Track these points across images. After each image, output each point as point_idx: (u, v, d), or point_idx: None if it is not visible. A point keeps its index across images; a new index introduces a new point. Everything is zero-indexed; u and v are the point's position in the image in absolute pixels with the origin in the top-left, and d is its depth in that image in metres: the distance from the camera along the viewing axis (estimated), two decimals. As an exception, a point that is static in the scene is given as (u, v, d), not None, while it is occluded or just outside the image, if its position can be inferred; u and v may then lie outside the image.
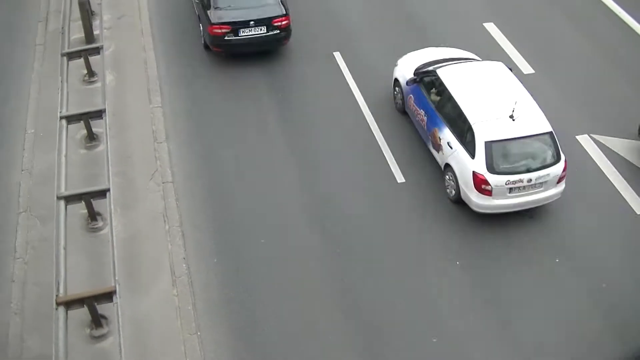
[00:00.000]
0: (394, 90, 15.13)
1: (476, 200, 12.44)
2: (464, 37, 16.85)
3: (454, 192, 12.95)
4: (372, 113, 15.08)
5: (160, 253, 12.28)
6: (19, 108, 15.48)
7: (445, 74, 13.60)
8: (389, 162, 13.95)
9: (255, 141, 14.52)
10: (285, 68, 16.42)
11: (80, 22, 16.97)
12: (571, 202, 13.05)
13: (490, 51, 16.36)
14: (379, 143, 14.36)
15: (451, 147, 12.87)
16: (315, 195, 13.32)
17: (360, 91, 15.63)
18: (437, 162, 13.56)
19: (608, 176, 13.61)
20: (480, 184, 12.22)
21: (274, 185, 13.55)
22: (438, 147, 13.36)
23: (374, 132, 14.62)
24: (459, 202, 12.87)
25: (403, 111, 14.89)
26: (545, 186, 12.49)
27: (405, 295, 11.55)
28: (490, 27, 17.57)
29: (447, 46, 15.84)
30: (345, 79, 16.01)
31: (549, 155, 12.48)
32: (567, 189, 12.77)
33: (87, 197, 12.53)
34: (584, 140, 14.48)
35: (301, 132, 14.72)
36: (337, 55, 16.71)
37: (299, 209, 13.05)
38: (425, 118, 13.75)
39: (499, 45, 16.94)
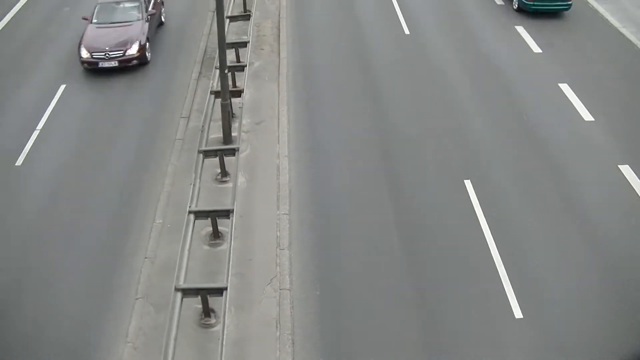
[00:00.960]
0: None
1: None
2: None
3: None
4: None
5: (267, 359, 11.99)
6: (151, 197, 16.04)
7: None
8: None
9: (377, 260, 14.25)
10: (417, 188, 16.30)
11: (220, 123, 17.70)
12: None
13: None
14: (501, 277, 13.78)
15: None
16: (437, 326, 12.78)
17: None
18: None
19: None
20: None
21: (390, 306, 13.13)
22: None
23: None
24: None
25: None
26: None
27: None
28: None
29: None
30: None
31: None
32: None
33: (204, 293, 12.58)
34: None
35: (426, 258, 14.35)
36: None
37: (416, 334, 12.52)
38: None
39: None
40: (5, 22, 24.80)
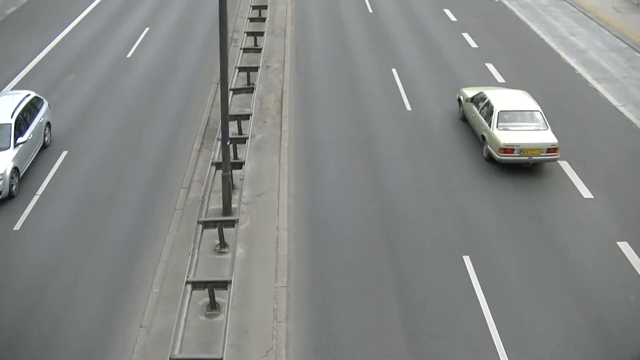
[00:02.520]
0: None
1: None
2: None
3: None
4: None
5: None
6: (148, 267, 16.28)
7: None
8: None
9: (376, 336, 14.38)
10: (417, 267, 16.54)
11: (220, 194, 18.09)
12: None
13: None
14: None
15: None
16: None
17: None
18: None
19: None
20: None
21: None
22: None
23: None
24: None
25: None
26: None
27: None
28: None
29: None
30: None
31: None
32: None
33: (199, 364, 12.68)
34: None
35: (427, 333, 14.50)
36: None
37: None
38: None
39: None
40: (12, 86, 25.55)
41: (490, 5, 37.44)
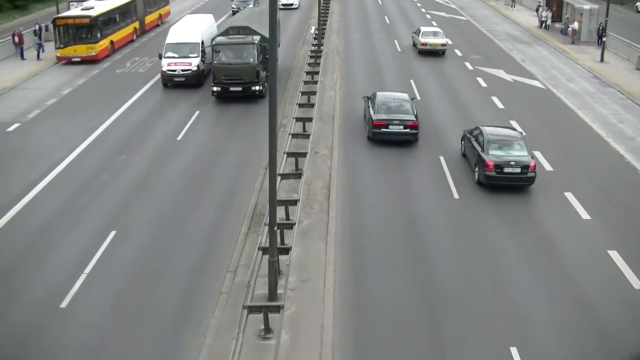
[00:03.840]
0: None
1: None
2: None
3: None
4: None
5: None
6: (192, 352, 16.39)
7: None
8: None
9: None
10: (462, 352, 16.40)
11: (266, 279, 18.26)
12: None
13: None
14: None
15: None
16: None
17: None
18: None
19: None
20: None
21: None
22: None
23: None
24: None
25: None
26: None
27: None
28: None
29: None
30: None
31: None
32: None
33: None
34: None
35: None
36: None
37: None
38: None
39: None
40: (64, 166, 26.45)
41: (537, 93, 37.89)
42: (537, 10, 61.73)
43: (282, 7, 61.66)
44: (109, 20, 46.76)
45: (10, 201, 23.90)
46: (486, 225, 22.57)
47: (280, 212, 20.97)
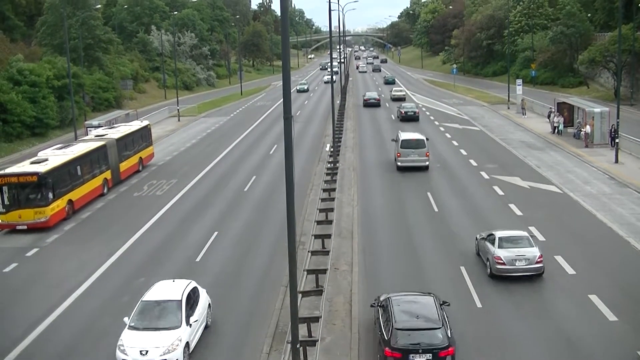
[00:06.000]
0: None
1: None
2: None
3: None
4: None
5: None
6: None
7: None
8: None
9: None
10: None
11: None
12: None
13: None
14: None
15: None
16: None
17: None
18: None
19: None
20: None
21: None
22: None
23: None
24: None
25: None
26: None
27: None
28: None
29: None
30: None
31: None
32: None
33: None
34: None
35: None
36: None
37: None
38: None
39: None
40: (83, 289, 26.86)
41: (554, 197, 38.31)
42: (548, 116, 63.12)
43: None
44: (67, 174, 38.37)
45: (32, 324, 24.41)
46: (513, 335, 22.52)
47: (302, 330, 21.10)
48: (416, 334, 19.65)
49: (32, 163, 37.69)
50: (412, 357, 19.15)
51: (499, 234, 27.73)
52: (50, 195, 36.05)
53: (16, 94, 64.28)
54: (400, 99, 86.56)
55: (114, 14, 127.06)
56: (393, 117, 73.95)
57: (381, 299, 22.36)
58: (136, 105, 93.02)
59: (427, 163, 45.54)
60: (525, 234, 28.06)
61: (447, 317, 20.94)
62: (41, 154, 40.06)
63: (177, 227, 35.46)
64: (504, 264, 26.30)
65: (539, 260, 26.32)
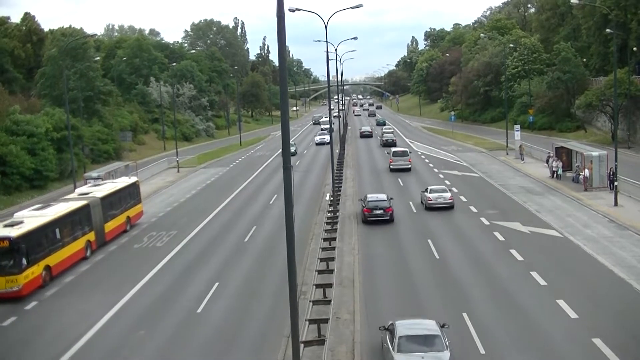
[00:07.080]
0: None
1: None
2: None
3: None
4: None
5: None
6: None
7: None
8: None
9: None
10: None
11: None
12: None
13: None
14: None
15: None
16: None
17: None
18: None
19: None
20: None
21: None
22: None
23: None
24: None
25: None
26: None
27: None
28: None
29: None
30: None
31: None
32: None
33: None
34: None
35: None
36: None
37: None
38: None
39: None
40: (83, 342, 26.82)
41: (555, 242, 38.50)
42: (547, 161, 63.63)
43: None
44: (44, 238, 35.09)
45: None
46: None
47: (306, 380, 21.12)
48: None
49: (5, 226, 34.21)
50: None
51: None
52: (24, 261, 32.61)
53: (15, 146, 64.61)
54: (391, 144, 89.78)
55: (113, 65, 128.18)
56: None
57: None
58: (136, 156, 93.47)
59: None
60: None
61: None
62: (17, 216, 37.09)
63: (177, 279, 35.51)
64: None
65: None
